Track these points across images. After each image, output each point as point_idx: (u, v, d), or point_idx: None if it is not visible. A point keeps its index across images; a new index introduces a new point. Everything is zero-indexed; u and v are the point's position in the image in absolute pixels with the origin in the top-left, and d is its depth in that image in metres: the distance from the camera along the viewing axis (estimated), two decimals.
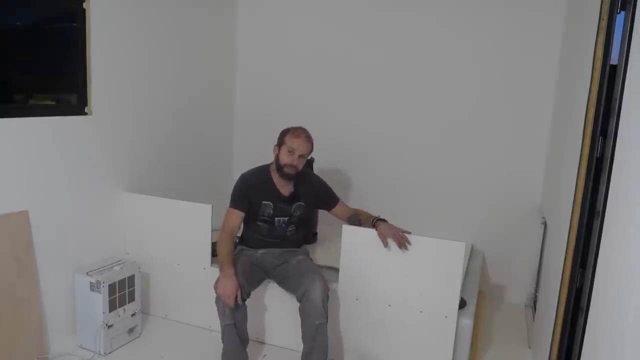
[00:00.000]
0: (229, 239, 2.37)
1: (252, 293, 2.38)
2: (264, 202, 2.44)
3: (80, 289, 2.50)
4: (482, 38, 3.30)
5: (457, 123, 3.44)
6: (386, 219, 2.44)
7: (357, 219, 2.53)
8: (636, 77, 1.31)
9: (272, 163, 2.49)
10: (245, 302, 2.30)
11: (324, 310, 2.22)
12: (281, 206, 2.47)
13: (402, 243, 2.29)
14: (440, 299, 2.31)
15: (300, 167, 2.41)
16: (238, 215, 2.42)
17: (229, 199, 2.46)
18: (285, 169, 2.39)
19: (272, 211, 2.46)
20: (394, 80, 3.55)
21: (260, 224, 2.49)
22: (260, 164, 2.56)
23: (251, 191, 2.44)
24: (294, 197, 2.49)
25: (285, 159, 2.38)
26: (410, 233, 2.33)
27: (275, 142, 2.47)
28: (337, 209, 2.60)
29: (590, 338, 1.48)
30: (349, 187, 3.72)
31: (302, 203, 2.52)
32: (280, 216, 2.48)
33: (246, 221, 2.50)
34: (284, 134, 2.44)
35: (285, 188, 2.47)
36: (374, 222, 2.40)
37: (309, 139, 2.43)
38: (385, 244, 2.34)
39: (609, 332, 1.26)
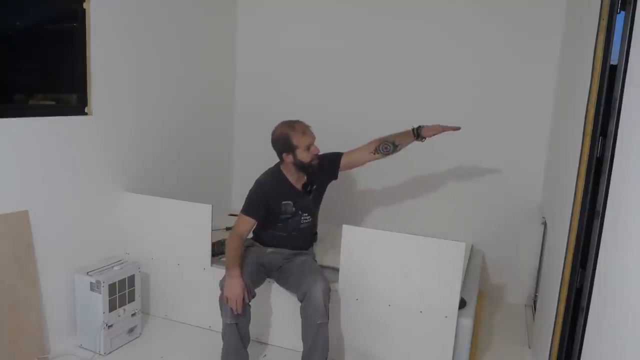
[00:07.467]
0: (239, 242, 2.35)
1: None
2: (284, 202, 2.44)
3: (80, 289, 2.50)
4: (482, 37, 3.30)
5: (457, 122, 3.42)
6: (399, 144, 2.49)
7: (389, 144, 2.47)
8: (636, 77, 1.31)
9: (279, 163, 2.48)
10: (250, 303, 2.29)
11: (325, 310, 2.21)
12: (299, 200, 2.47)
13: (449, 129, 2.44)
14: (440, 299, 2.31)
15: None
16: (250, 222, 2.40)
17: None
18: (313, 163, 2.39)
19: (293, 208, 2.46)
20: (394, 80, 3.55)
21: (280, 224, 2.48)
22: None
23: (270, 197, 2.42)
24: (307, 185, 2.50)
25: (307, 156, 2.37)
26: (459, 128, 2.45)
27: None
28: (347, 158, 2.55)
29: (590, 338, 1.48)
30: (349, 186, 3.71)
31: (315, 185, 2.53)
32: (301, 209, 2.48)
33: (263, 222, 2.47)
34: (285, 138, 2.36)
35: (299, 182, 2.48)
36: (416, 131, 2.47)
37: (307, 125, 2.42)
38: (450, 129, 2.48)
39: (609, 332, 1.26)
